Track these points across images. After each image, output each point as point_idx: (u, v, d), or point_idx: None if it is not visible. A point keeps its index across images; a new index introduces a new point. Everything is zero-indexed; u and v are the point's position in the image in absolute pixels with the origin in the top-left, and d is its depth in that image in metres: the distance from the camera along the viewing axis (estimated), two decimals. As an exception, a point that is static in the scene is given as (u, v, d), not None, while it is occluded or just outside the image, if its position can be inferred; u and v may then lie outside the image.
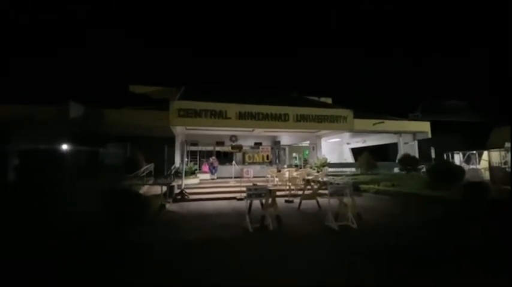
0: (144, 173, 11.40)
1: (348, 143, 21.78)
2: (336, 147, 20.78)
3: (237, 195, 10.11)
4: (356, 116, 14.22)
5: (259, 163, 16.18)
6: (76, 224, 5.39)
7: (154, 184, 10.60)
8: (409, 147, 17.25)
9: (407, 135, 17.69)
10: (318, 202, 8.51)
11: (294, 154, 19.12)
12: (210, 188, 11.49)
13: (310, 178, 9.86)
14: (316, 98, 19.48)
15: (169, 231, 5.80)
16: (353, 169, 15.65)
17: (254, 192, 6.12)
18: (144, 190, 9.93)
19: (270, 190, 6.45)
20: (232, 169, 13.41)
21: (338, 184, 6.91)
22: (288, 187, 10.51)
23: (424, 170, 13.58)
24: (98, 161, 14.22)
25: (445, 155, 14.39)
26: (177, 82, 15.39)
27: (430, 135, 17.18)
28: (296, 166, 17.16)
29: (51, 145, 11.87)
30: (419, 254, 4.25)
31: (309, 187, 9.21)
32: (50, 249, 4.46)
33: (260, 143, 17.50)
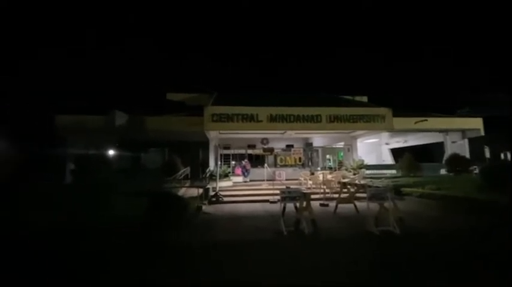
0: (181, 176, 11.96)
1: (386, 144, 20.52)
2: (374, 148, 19.70)
3: (270, 198, 10.09)
4: (395, 115, 13.36)
5: (291, 166, 16.00)
6: (122, 224, 5.84)
7: (191, 186, 11.06)
8: (457, 146, 15.68)
9: (454, 133, 16.11)
10: (355, 205, 8.13)
11: (327, 156, 18.55)
12: (243, 190, 11.65)
13: (346, 180, 9.49)
14: (350, 98, 18.76)
15: (206, 232, 5.99)
16: (393, 171, 14.68)
17: (288, 195, 6.06)
18: (182, 192, 10.42)
19: (305, 193, 6.33)
20: (265, 171, 13.45)
21: (377, 187, 6.54)
22: (322, 190, 10.22)
23: (476, 171, 12.22)
24: (139, 164, 15.33)
25: (502, 155, 12.80)
26: (210, 88, 15.93)
27: (482, 133, 15.44)
28: (330, 168, 16.63)
29: (100, 151, 13.09)
30: (465, 263, 3.83)
31: (345, 190, 8.86)
32: (98, 248, 4.89)
33: (292, 146, 17.33)
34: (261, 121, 12.12)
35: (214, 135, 14.19)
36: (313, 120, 12.44)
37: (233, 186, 12.58)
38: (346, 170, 14.57)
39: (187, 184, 11.65)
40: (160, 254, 4.53)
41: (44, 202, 7.45)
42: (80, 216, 6.43)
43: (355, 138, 16.29)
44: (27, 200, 7.62)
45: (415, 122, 14.64)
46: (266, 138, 16.67)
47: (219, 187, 11.10)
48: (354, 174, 13.51)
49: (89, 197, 7.75)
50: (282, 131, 13.94)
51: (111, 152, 15.02)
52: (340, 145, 17.31)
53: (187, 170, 13.03)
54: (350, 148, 16.45)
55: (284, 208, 6.44)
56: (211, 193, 10.44)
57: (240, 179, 14.10)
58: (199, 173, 13.84)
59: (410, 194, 10.29)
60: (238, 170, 14.64)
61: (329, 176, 11.59)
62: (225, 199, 10.35)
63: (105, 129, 12.57)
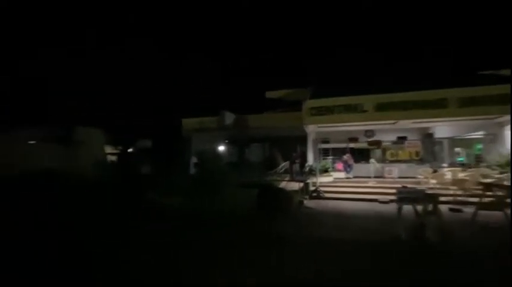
0: (282, 170, 12.34)
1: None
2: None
3: (379, 197, 8.98)
4: None
5: (404, 161, 13.70)
6: (237, 212, 6.52)
7: (291, 180, 11.24)
8: None
9: None
10: (506, 214, 6.10)
11: (456, 149, 14.78)
12: (346, 187, 10.86)
13: (490, 181, 7.26)
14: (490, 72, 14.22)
15: (309, 227, 5.91)
16: None
17: (407, 195, 5.16)
18: (282, 186, 10.74)
19: (431, 194, 5.22)
20: (371, 167, 12.07)
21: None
22: (452, 192, 8.23)
23: None
24: (244, 159, 16.86)
25: None
26: (308, 82, 15.65)
27: None
28: (462, 164, 13.19)
29: (214, 146, 15.25)
30: None
31: (489, 193, 6.78)
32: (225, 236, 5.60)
33: (404, 137, 14.76)
34: (366, 111, 10.89)
35: (312, 129, 13.87)
36: (435, 106, 10.15)
37: (334, 182, 11.94)
38: (489, 167, 11.16)
39: (287, 178, 11.92)
40: (275, 245, 4.70)
41: (175, 190, 9.28)
42: (201, 202, 7.66)
43: (501, 125, 12.24)
44: (164, 188, 9.69)
45: None
46: (371, 130, 14.87)
47: (319, 183, 10.79)
48: (501, 173, 10.17)
49: (207, 186, 9.09)
50: (392, 121, 12.08)
51: (221, 148, 17.23)
52: (478, 134, 13.41)
53: (287, 164, 13.32)
54: (493, 139, 12.51)
55: (400, 210, 5.54)
56: (312, 188, 10.27)
57: (341, 175, 13.24)
58: (297, 168, 13.91)
59: None
60: (340, 166, 13.77)
61: (461, 175, 9.21)
62: (326, 195, 9.96)
63: (218, 128, 14.49)
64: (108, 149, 18.36)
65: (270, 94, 17.11)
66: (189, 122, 15.53)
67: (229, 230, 5.53)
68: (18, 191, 7.69)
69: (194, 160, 13.84)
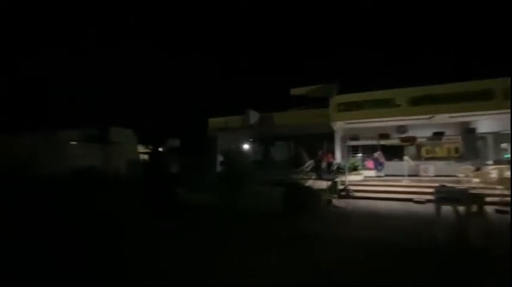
0: (308, 169, 12.11)
1: None
2: None
3: (414, 197, 8.46)
4: None
5: (442, 158, 12.76)
6: (264, 211, 6.52)
7: (318, 178, 10.98)
8: None
9: None
10: None
11: (503, 145, 13.43)
12: (377, 186, 10.37)
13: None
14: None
15: (339, 226, 5.73)
16: None
17: (447, 195, 4.78)
18: (309, 184, 10.53)
19: (476, 194, 4.79)
20: (404, 165, 11.40)
21: None
22: (498, 192, 7.50)
23: None
24: (269, 157, 16.82)
25: None
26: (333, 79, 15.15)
27: None
28: (509, 162, 11.96)
29: (240, 145, 15.41)
30: None
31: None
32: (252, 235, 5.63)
33: (441, 133, 13.71)
34: (399, 106, 10.28)
35: (339, 126, 13.42)
36: (480, 98, 9.29)
37: (364, 181, 11.46)
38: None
39: (313, 177, 11.67)
40: (305, 245, 4.66)
41: (202, 187, 9.54)
42: (228, 199, 7.77)
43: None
44: (192, 186, 9.99)
45: None
46: (404, 126, 14.01)
47: (348, 181, 10.42)
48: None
49: (233, 184, 9.20)
50: (428, 116, 11.29)
51: (246, 146, 17.35)
52: (528, 129, 12.05)
53: (313, 162, 13.04)
54: (548, 133, 11.16)
55: (439, 210, 5.16)
56: (340, 187, 9.95)
57: (372, 173, 12.67)
58: (324, 166, 13.55)
59: None
60: (370, 163, 13.19)
61: (508, 173, 8.36)
62: (356, 194, 9.60)
63: (242, 127, 14.61)
64: (141, 149, 19.39)
65: (295, 91, 16.85)
66: (214, 122, 15.85)
67: (256, 228, 5.54)
68: (66, 187, 8.44)
69: (220, 158, 14.12)
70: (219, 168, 14.30)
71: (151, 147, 20.24)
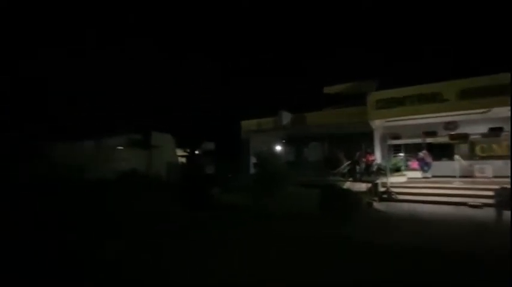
0: (345, 170, 11.62)
1: None
2: None
3: (469, 200, 7.60)
4: None
5: (501, 157, 11.29)
6: (299, 213, 6.40)
7: (356, 180, 10.48)
8: None
9: None
10: None
11: None
12: (423, 188, 9.53)
13: None
14: None
15: (383, 232, 5.36)
16: None
17: (509, 199, 4.20)
18: (347, 186, 10.08)
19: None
20: (455, 165, 10.33)
21: None
22: None
23: None
24: (302, 158, 16.50)
25: None
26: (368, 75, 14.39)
27: None
28: None
29: (272, 147, 15.39)
30: None
31: None
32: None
33: (500, 129, 12.14)
34: (447, 100, 9.36)
35: (379, 125, 12.65)
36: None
37: (408, 182, 10.63)
38: None
39: (350, 179, 11.16)
40: (346, 251, 4.48)
41: (237, 189, 9.73)
42: (262, 201, 7.79)
43: None
44: (226, 187, 10.26)
45: None
46: (453, 122, 12.68)
47: (390, 183, 9.75)
48: None
49: (267, 185, 9.20)
50: (482, 110, 10.10)
51: (279, 148, 17.25)
52: None
53: (350, 163, 12.47)
54: None
55: (500, 216, 4.56)
56: (381, 189, 9.36)
57: (417, 174, 11.71)
58: (363, 167, 12.87)
59: None
60: (415, 164, 12.19)
61: None
62: (399, 196, 8.94)
63: (275, 128, 14.59)
64: (179, 152, 20.45)
65: (329, 89, 16.35)
66: (247, 124, 16.09)
67: (293, 231, 5.45)
68: (116, 188, 9.30)
69: (253, 160, 14.22)
70: (252, 170, 14.42)
71: (188, 150, 21.19)
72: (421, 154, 11.88)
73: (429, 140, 12.70)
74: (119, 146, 17.12)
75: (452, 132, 11.87)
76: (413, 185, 10.09)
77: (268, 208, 7.22)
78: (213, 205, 8.24)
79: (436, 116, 10.99)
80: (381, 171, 10.39)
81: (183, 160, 20.08)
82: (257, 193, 8.61)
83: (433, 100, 9.58)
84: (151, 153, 16.99)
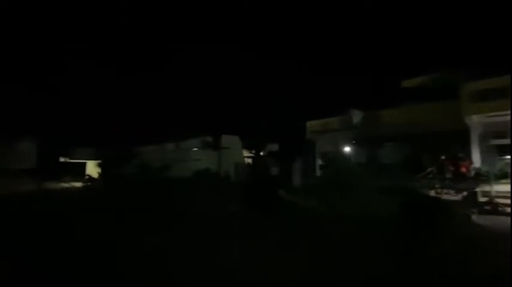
0: (431, 175, 10.04)
1: None
2: None
3: None
4: None
5: None
6: (375, 222, 5.82)
7: (446, 187, 8.92)
8: None
9: None
10: None
11: None
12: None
13: None
14: None
15: (483, 253, 4.36)
16: None
17: None
18: (432, 194, 8.69)
19: None
20: None
21: None
22: None
23: None
24: (375, 160, 15.00)
25: None
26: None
27: None
28: None
29: (340, 148, 14.55)
30: None
31: None
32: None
33: None
34: None
35: (478, 121, 10.46)
36: None
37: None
38: None
39: (437, 185, 9.54)
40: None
41: (302, 190, 9.57)
42: (329, 204, 7.42)
43: None
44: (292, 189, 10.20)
45: None
46: None
47: (495, 192, 7.96)
48: None
49: (335, 188, 8.68)
50: None
51: (348, 149, 16.15)
52: None
53: (437, 167, 10.68)
54: None
55: None
56: (482, 199, 7.72)
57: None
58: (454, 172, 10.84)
59: None
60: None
61: None
62: (507, 209, 7.21)
63: (343, 128, 13.78)
64: (245, 153, 21.45)
65: (407, 83, 14.51)
66: (313, 124, 15.65)
67: (371, 241, 4.98)
68: (194, 185, 10.62)
69: (319, 161, 13.69)
70: (318, 172, 13.90)
71: (254, 151, 21.96)
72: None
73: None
74: (194, 147, 19.08)
75: None
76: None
77: (335, 211, 6.89)
78: (279, 206, 8.27)
79: None
80: (482, 177, 8.58)
81: (249, 160, 20.95)
82: (323, 196, 8.27)
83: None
84: (220, 154, 18.37)
